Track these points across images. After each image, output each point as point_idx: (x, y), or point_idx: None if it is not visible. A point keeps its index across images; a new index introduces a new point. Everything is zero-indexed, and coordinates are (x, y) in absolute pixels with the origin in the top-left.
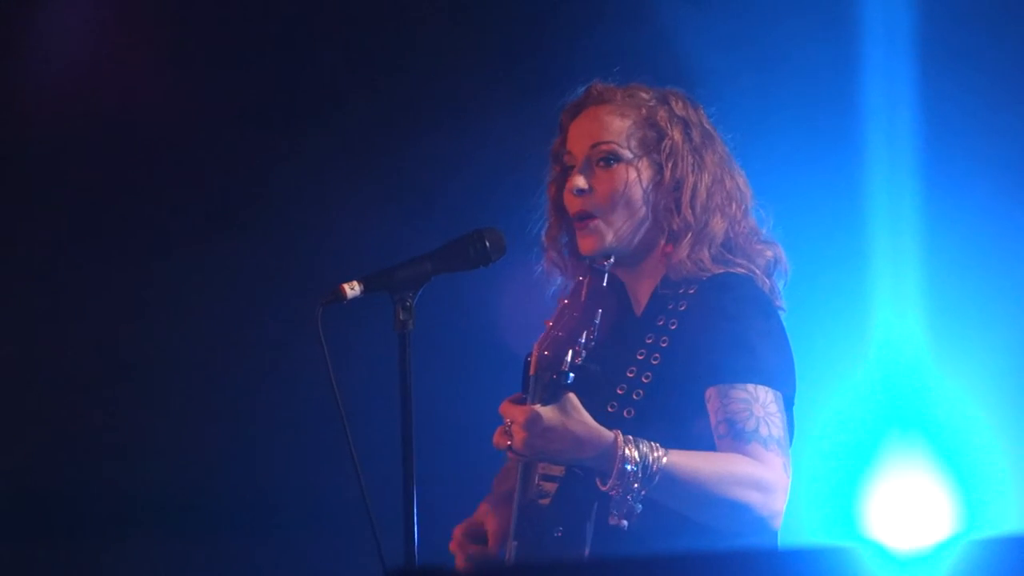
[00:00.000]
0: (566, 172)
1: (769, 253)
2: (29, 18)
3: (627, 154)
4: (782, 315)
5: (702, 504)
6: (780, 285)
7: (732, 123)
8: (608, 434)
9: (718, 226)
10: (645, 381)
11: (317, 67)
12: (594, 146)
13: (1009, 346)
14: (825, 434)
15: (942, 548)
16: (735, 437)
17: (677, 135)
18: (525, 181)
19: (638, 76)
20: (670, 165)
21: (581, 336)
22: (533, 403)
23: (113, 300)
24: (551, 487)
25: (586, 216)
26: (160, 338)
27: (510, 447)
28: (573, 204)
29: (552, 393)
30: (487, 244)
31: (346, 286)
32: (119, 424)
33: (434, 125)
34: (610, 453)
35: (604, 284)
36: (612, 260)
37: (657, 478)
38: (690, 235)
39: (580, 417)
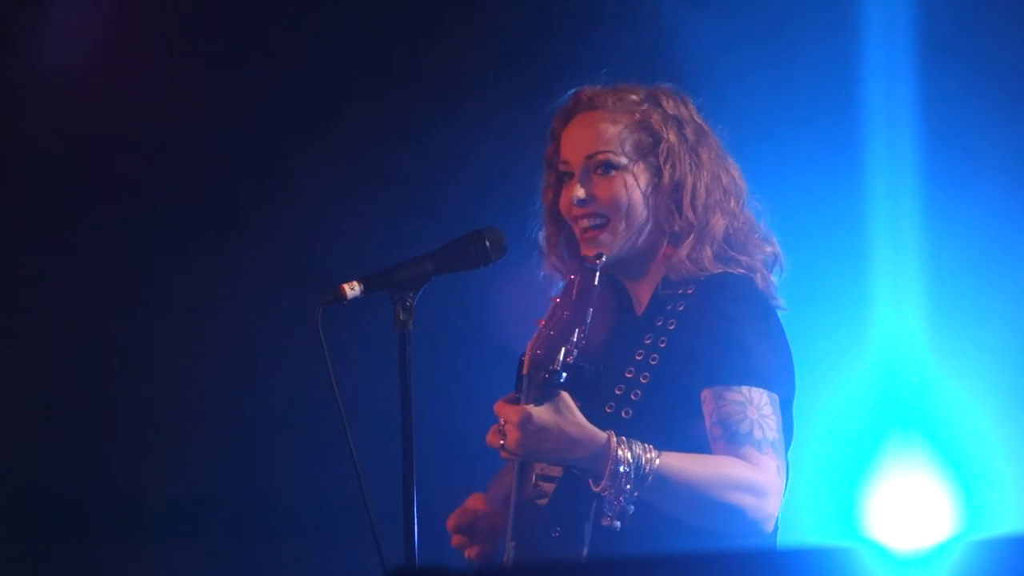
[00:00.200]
0: (561, 178)
1: (768, 248)
2: (29, 18)
3: (624, 161)
4: (782, 314)
5: (695, 507)
6: (778, 281)
7: (732, 123)
8: (601, 435)
9: (719, 223)
10: (643, 381)
11: (318, 67)
12: (590, 156)
13: (1009, 346)
14: (825, 434)
15: (942, 548)
16: (729, 440)
17: (672, 136)
18: (525, 181)
19: (631, 75)
20: (668, 167)
21: (573, 335)
22: (526, 402)
23: (113, 300)
24: (549, 487)
25: (592, 227)
26: (160, 338)
27: (503, 446)
28: (575, 213)
29: (545, 392)
30: (487, 244)
31: (346, 286)
32: (119, 424)
33: (434, 125)
34: (603, 454)
35: (595, 283)
36: (603, 259)
37: (650, 479)
38: (692, 236)
39: (574, 417)
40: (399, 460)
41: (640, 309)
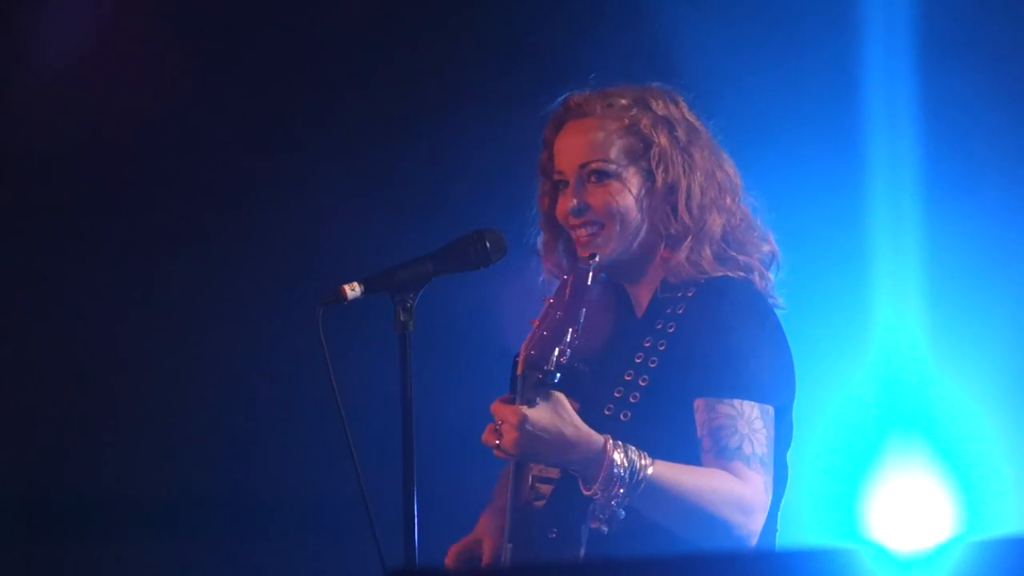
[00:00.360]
0: (556, 186)
1: (766, 247)
2: (28, 18)
3: (616, 168)
4: (782, 313)
5: (682, 517)
6: (776, 278)
7: (733, 123)
8: (598, 438)
9: (716, 223)
10: (642, 384)
11: (318, 67)
12: (582, 166)
13: (1009, 346)
14: (825, 435)
15: (943, 549)
16: (718, 454)
17: (663, 139)
18: (526, 181)
19: (631, 75)
20: (661, 171)
21: (566, 335)
22: (521, 403)
23: (112, 300)
24: (546, 489)
25: (588, 235)
26: (160, 338)
27: (498, 446)
28: (571, 222)
29: (541, 393)
30: (488, 245)
31: (347, 287)
32: (118, 425)
33: (435, 125)
34: (599, 457)
35: (588, 283)
36: (596, 259)
37: (642, 486)
38: (689, 238)
39: (571, 419)
40: (399, 460)
41: (640, 311)
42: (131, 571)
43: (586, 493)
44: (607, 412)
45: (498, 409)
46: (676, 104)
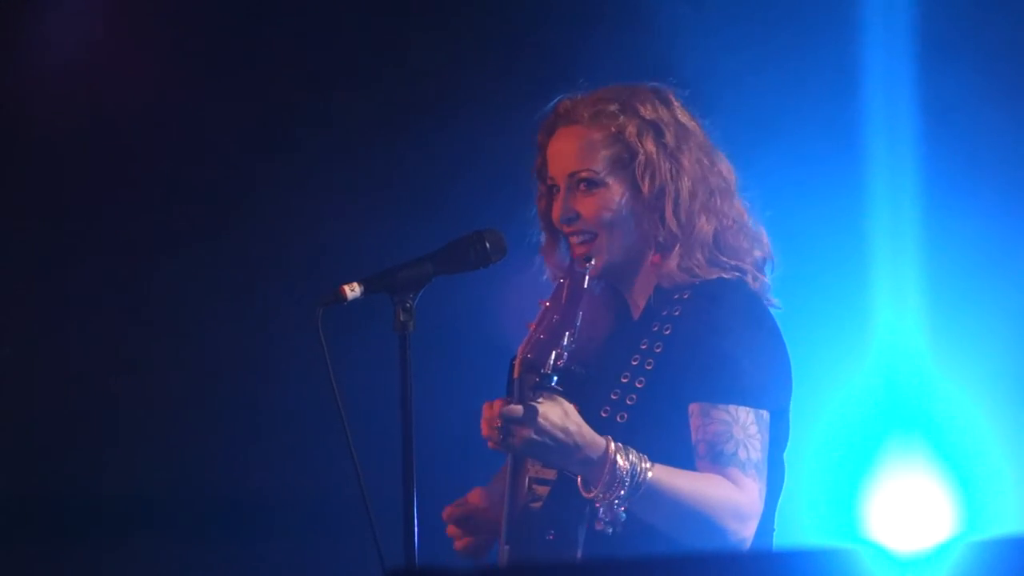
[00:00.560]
0: (551, 189)
1: (758, 252)
2: (27, 17)
3: (603, 176)
4: (780, 313)
5: (679, 521)
6: (771, 278)
7: (732, 124)
8: (601, 440)
9: (706, 227)
10: (639, 386)
11: (318, 67)
12: (572, 174)
13: (1009, 347)
14: (825, 435)
15: (943, 549)
16: (714, 459)
17: (649, 146)
18: (526, 182)
19: (631, 75)
20: (647, 180)
21: (563, 338)
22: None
23: (112, 300)
24: (543, 491)
25: (581, 243)
26: (160, 339)
27: (501, 441)
28: (565, 230)
29: (540, 395)
30: (487, 245)
31: (346, 287)
32: (118, 425)
33: (435, 125)
34: (602, 460)
35: (585, 285)
36: (592, 262)
37: (642, 490)
38: (678, 246)
39: (576, 421)
40: (399, 460)
41: (636, 314)
42: (131, 571)
43: (587, 496)
44: (603, 414)
45: (506, 408)
46: (667, 106)
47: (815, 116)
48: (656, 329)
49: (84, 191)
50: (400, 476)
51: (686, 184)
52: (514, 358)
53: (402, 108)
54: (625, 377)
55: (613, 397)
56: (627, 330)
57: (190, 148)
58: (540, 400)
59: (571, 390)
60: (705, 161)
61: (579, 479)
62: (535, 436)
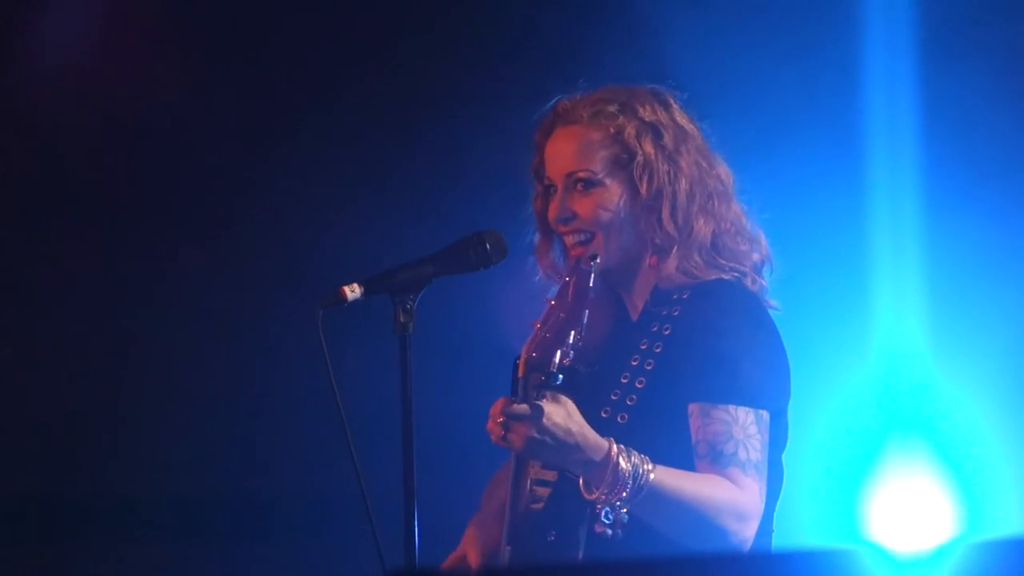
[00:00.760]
0: (548, 189)
1: (756, 255)
2: (28, 18)
3: (601, 177)
4: (779, 315)
5: (680, 523)
6: (769, 280)
7: (733, 125)
8: (603, 442)
9: (703, 230)
10: (639, 386)
11: (317, 67)
12: (569, 174)
13: (1009, 348)
14: (826, 436)
15: (943, 551)
16: (714, 460)
17: (648, 147)
18: (526, 182)
19: (630, 76)
20: (645, 181)
21: (568, 337)
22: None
23: (112, 301)
24: (544, 492)
25: (577, 243)
26: (160, 339)
27: (503, 438)
28: (560, 229)
29: (544, 394)
30: (488, 246)
31: (346, 288)
32: (118, 425)
33: (436, 126)
34: (604, 461)
35: (591, 284)
36: (598, 260)
37: (644, 492)
38: (676, 248)
39: (579, 421)
40: (399, 461)
41: (635, 315)
42: (131, 571)
43: (589, 497)
44: (604, 415)
45: (509, 407)
46: (666, 108)
47: (815, 117)
48: (656, 329)
49: (84, 191)
50: (400, 477)
51: (684, 186)
52: (518, 358)
53: (403, 108)
54: (625, 377)
55: (613, 397)
56: (626, 331)
57: (190, 148)
58: (544, 399)
59: (575, 390)
60: (703, 164)
61: (580, 480)
62: (536, 435)
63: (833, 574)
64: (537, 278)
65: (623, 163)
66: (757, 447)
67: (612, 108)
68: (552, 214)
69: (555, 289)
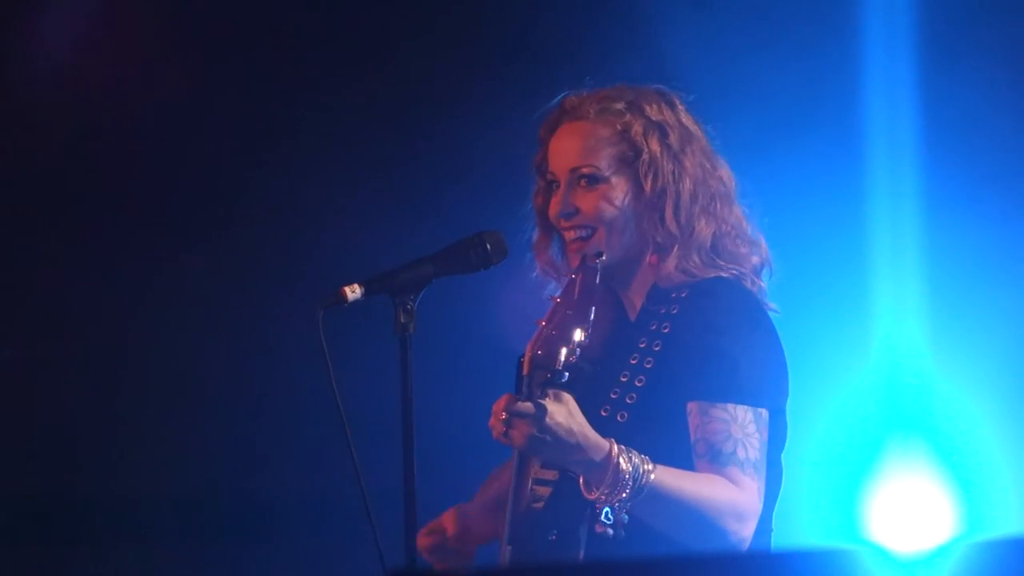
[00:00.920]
0: (551, 185)
1: (756, 259)
2: (28, 18)
3: (606, 173)
4: (779, 317)
5: (680, 523)
6: (768, 283)
7: (733, 125)
8: (604, 442)
9: (704, 231)
10: (639, 385)
11: (318, 67)
12: (573, 170)
13: (1009, 348)
14: (826, 436)
15: (943, 551)
16: (712, 459)
17: (654, 146)
18: (526, 182)
19: (630, 76)
20: (649, 179)
21: (575, 334)
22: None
23: (111, 302)
24: (545, 491)
25: (578, 239)
26: (160, 339)
27: (505, 435)
28: (562, 225)
29: (546, 393)
30: (488, 247)
31: (347, 289)
32: (118, 426)
33: (436, 126)
34: (604, 461)
35: (597, 281)
36: (604, 257)
37: (644, 492)
38: (676, 247)
39: (581, 421)
40: (399, 461)
41: (633, 314)
42: (131, 571)
43: (589, 497)
44: (604, 413)
45: (512, 405)
46: (672, 108)
47: (816, 118)
48: (655, 328)
49: (83, 191)
50: (400, 477)
51: (687, 186)
52: (523, 355)
53: (403, 108)
54: (625, 376)
55: (613, 396)
56: (625, 329)
57: (190, 148)
58: (547, 397)
59: (581, 389)
60: (707, 165)
61: (581, 480)
62: (537, 433)
63: (833, 574)
64: (534, 274)
65: (628, 160)
66: (756, 446)
67: (619, 106)
68: (554, 209)
69: (554, 286)
